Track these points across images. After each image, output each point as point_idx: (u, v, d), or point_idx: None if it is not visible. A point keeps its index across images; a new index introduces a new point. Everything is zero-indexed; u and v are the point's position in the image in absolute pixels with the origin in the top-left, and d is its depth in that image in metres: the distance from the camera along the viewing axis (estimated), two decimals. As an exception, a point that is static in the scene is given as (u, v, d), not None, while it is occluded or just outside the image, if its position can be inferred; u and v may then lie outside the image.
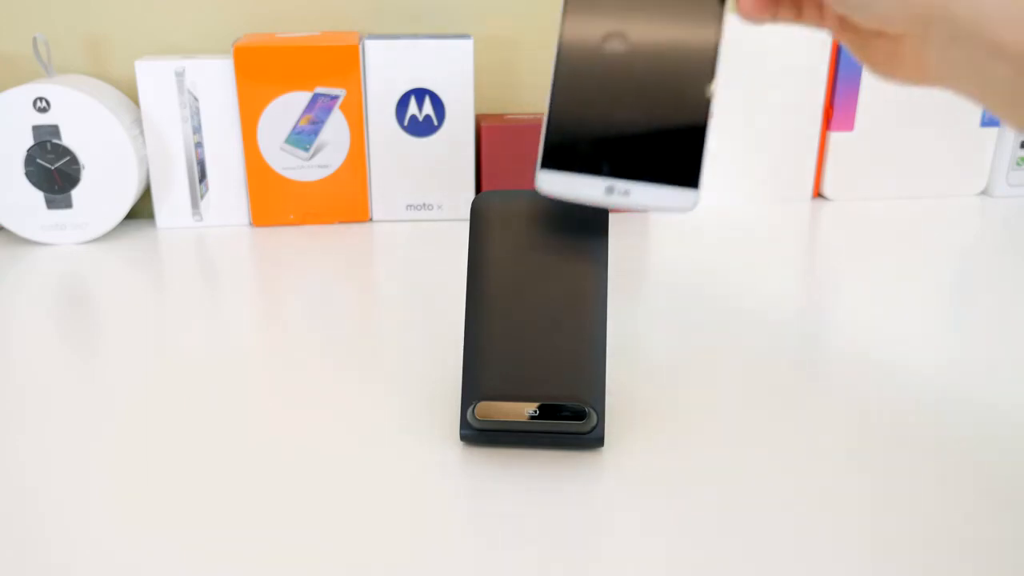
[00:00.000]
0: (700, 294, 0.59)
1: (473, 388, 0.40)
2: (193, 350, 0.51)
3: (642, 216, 0.75)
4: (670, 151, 0.37)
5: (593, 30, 0.38)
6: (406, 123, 0.72)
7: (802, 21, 0.40)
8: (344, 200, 0.73)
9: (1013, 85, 0.31)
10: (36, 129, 0.66)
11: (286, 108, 0.70)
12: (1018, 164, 0.80)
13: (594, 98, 0.38)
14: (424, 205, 0.74)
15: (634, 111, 0.37)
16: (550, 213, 0.42)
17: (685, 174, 0.37)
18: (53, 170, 0.67)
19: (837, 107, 0.77)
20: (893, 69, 0.36)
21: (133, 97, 0.72)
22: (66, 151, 0.66)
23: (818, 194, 0.81)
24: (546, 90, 0.78)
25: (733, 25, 0.76)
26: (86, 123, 0.66)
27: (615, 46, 0.38)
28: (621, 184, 0.37)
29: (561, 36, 0.38)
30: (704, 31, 0.38)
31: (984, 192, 0.82)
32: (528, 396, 0.40)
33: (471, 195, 0.74)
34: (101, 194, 0.68)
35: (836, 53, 0.76)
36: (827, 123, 0.78)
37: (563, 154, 0.37)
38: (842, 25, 0.38)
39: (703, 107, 0.37)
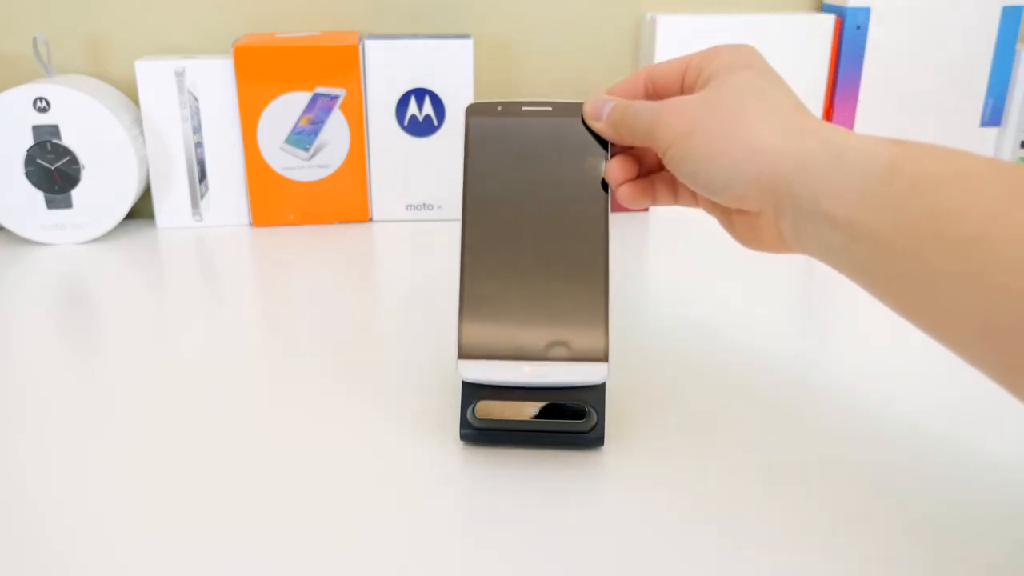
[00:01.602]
0: (700, 294, 0.59)
1: (473, 387, 0.40)
2: (193, 350, 0.51)
3: (642, 216, 0.75)
4: (577, 333, 0.39)
5: (493, 232, 0.41)
6: (406, 123, 0.72)
7: (679, 203, 0.44)
8: (344, 200, 0.73)
9: (851, 253, 0.34)
10: (36, 129, 0.66)
11: (286, 108, 0.70)
12: (1018, 164, 0.80)
13: (501, 292, 0.40)
14: (424, 205, 0.74)
15: (539, 302, 0.40)
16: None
17: (593, 351, 0.39)
18: (53, 170, 0.67)
19: (837, 107, 0.77)
20: (757, 241, 0.40)
21: (133, 97, 0.72)
22: (66, 151, 0.66)
23: (818, 194, 0.81)
24: (544, 91, 0.78)
25: (732, 23, 0.76)
26: (86, 123, 0.66)
27: (514, 247, 0.41)
28: (535, 366, 0.39)
29: (464, 241, 0.41)
30: (594, 223, 0.42)
31: (984, 192, 0.82)
32: (529, 396, 0.40)
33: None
34: (101, 194, 0.68)
35: (836, 53, 0.76)
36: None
37: (479, 346, 0.40)
38: (712, 205, 0.42)
39: (601, 290, 0.40)
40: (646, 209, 0.75)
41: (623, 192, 0.43)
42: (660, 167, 0.44)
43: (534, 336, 0.39)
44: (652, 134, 0.40)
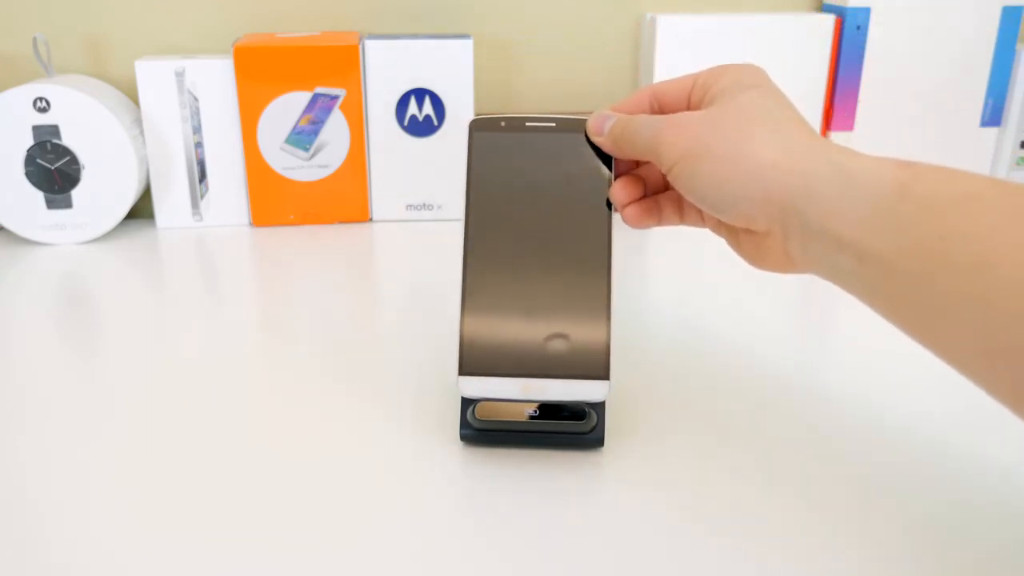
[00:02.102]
0: (701, 294, 0.59)
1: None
2: (193, 350, 0.51)
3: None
4: (578, 350, 0.39)
5: (496, 248, 0.41)
6: (406, 123, 0.72)
7: (685, 222, 0.44)
8: (344, 200, 0.73)
9: (858, 273, 0.34)
10: (36, 129, 0.66)
11: (286, 108, 0.70)
12: (1018, 164, 0.81)
13: (503, 309, 0.40)
14: (424, 205, 0.74)
15: (541, 318, 0.40)
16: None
17: (594, 368, 0.39)
18: (53, 170, 0.67)
19: (837, 107, 0.77)
20: (763, 260, 0.40)
21: (133, 97, 0.72)
22: (66, 151, 0.66)
23: (818, 194, 0.81)
24: (544, 91, 0.78)
25: (732, 23, 0.76)
26: (86, 123, 0.66)
27: (517, 263, 0.41)
28: (536, 382, 0.39)
29: (466, 257, 0.41)
30: (597, 240, 0.41)
31: (984, 192, 0.82)
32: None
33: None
34: (101, 194, 0.68)
35: (836, 53, 0.76)
36: (827, 123, 0.78)
37: (479, 362, 0.40)
38: (718, 224, 0.42)
39: (604, 308, 0.40)
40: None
41: (628, 213, 0.43)
42: (665, 187, 0.44)
43: (535, 352, 0.39)
44: (655, 150, 0.40)
